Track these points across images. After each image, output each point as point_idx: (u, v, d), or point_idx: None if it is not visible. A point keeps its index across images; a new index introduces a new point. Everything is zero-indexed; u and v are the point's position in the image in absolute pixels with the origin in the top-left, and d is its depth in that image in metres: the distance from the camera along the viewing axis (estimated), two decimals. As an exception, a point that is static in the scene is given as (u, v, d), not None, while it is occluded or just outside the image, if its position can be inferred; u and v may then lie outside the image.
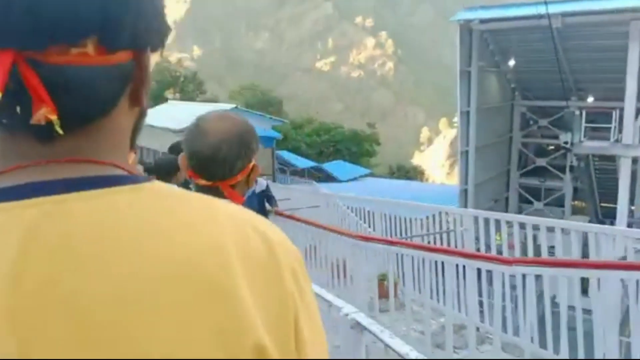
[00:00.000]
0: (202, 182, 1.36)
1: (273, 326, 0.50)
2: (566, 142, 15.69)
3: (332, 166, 24.23)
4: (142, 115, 0.60)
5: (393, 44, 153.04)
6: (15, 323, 0.43)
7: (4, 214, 0.47)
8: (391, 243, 5.42)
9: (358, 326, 2.08)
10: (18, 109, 0.48)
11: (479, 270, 4.56)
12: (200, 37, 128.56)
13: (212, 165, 1.33)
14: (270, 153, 20.90)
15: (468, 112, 17.00)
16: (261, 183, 7.01)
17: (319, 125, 31.12)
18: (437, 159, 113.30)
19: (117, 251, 0.46)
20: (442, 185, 30.31)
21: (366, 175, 24.79)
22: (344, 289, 5.89)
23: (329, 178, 22.51)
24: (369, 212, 9.76)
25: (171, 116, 23.72)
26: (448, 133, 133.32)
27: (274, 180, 19.22)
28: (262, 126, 23.05)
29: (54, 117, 0.47)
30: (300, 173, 23.13)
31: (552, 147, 21.05)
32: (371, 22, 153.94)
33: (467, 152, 17.37)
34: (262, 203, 6.61)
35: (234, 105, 24.80)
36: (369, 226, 9.98)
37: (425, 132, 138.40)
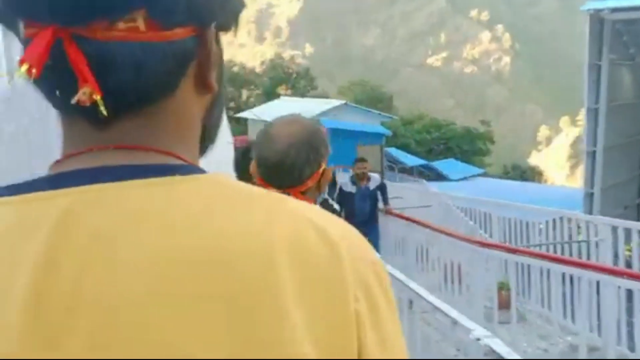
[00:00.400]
0: (272, 190, 1.22)
1: (325, 352, 0.41)
2: None
3: (442, 164, 23.41)
4: (215, 103, 0.53)
5: (510, 38, 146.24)
6: (41, 319, 0.40)
7: (39, 203, 0.44)
8: (513, 251, 4.99)
9: (493, 354, 1.75)
10: (57, 91, 0.45)
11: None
12: (312, 35, 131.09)
13: (280, 172, 1.28)
14: (379, 150, 20.59)
15: (596, 110, 15.68)
16: (375, 178, 6.84)
17: (429, 122, 30.21)
18: (556, 159, 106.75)
19: (146, 245, 0.41)
20: (563, 188, 28.29)
21: (479, 175, 23.71)
22: (458, 295, 5.55)
23: (438, 177, 21.77)
24: (485, 214, 9.21)
25: (282, 112, 24.17)
26: (570, 132, 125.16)
27: (382, 178, 19.00)
28: (370, 122, 22.86)
29: (97, 97, 0.43)
30: (408, 171, 22.59)
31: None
32: (487, 16, 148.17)
33: (594, 152, 16.03)
34: (374, 199, 6.37)
35: (343, 102, 24.86)
36: (483, 230, 9.51)
37: (543, 131, 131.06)
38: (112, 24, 0.43)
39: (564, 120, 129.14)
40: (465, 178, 22.38)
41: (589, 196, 16.13)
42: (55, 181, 0.45)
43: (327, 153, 1.34)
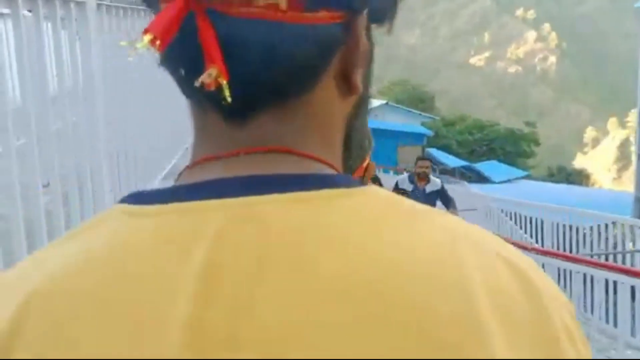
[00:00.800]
0: None
1: None
2: None
3: (484, 166, 22.86)
4: (360, 108, 0.46)
5: (557, 37, 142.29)
6: (197, 346, 0.33)
7: (186, 217, 0.37)
8: (575, 260, 4.68)
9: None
10: (182, 71, 0.39)
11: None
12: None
13: None
14: (420, 150, 20.30)
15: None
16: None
17: (472, 123, 29.49)
18: (603, 162, 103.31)
19: (322, 271, 0.35)
20: (611, 192, 27.25)
21: (522, 177, 23.10)
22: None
23: (480, 178, 21.28)
24: (531, 218, 8.82)
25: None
26: (617, 134, 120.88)
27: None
28: (411, 122, 22.59)
29: (223, 81, 0.36)
30: (450, 172, 22.13)
31: None
32: (533, 14, 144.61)
33: (644, 154, 15.38)
34: (430, 203, 5.98)
35: (384, 102, 24.65)
36: (529, 234, 9.05)
37: (590, 133, 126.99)
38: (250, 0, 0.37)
39: (612, 122, 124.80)
40: (508, 180, 21.84)
41: (639, 200, 15.50)
42: (197, 190, 0.38)
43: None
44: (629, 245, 6.97)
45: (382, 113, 21.77)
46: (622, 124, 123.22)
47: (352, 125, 0.45)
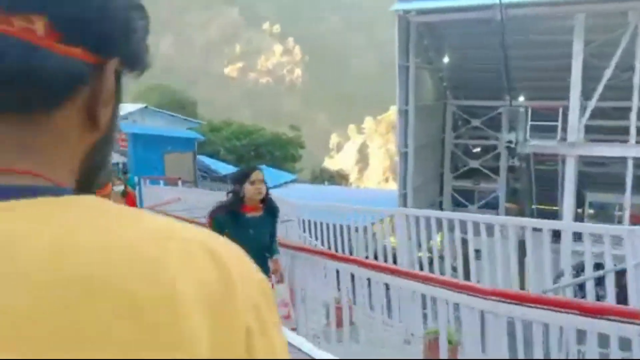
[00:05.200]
0: None
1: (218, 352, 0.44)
2: (510, 142, 15.03)
3: (255, 172, 22.41)
4: (101, 145, 0.51)
5: (300, 51, 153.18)
6: None
7: None
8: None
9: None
10: None
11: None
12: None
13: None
14: (192, 157, 18.63)
15: (407, 111, 15.94)
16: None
17: (238, 128, 28.97)
18: (346, 164, 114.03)
19: (18, 269, 0.40)
20: (377, 190, 29.35)
21: (292, 181, 23.18)
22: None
23: (252, 185, 20.68)
24: (310, 222, 8.32)
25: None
26: (357, 139, 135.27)
27: (196, 187, 17.08)
28: (177, 127, 20.77)
29: None
30: (222, 179, 21.05)
31: (480, 149, 20.64)
32: (278, 29, 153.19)
33: (406, 153, 16.30)
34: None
35: (143, 105, 22.22)
36: (313, 237, 8.60)
37: (334, 138, 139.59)
38: (8, 19, 0.43)
39: (351, 129, 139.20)
40: (279, 185, 21.58)
41: (403, 196, 16.35)
42: None
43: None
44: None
45: (141, 118, 19.49)
46: (360, 130, 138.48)
47: (91, 157, 0.51)
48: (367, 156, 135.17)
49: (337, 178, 35.83)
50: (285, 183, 22.31)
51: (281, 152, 28.11)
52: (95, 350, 0.39)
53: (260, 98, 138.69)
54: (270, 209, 3.82)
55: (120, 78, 0.51)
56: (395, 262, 7.17)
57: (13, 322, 0.39)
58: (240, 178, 3.77)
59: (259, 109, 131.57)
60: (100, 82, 0.48)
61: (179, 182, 13.87)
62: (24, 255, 0.41)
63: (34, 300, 0.39)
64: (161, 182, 14.81)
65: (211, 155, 24.03)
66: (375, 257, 7.33)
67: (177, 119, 21.85)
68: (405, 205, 15.75)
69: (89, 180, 0.51)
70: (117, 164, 14.30)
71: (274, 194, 4.17)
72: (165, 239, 0.45)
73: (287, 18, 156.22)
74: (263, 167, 23.44)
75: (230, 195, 3.77)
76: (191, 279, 0.43)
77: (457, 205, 19.76)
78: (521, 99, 18.03)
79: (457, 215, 6.83)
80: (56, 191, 0.45)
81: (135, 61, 0.51)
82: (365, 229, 7.87)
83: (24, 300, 0.39)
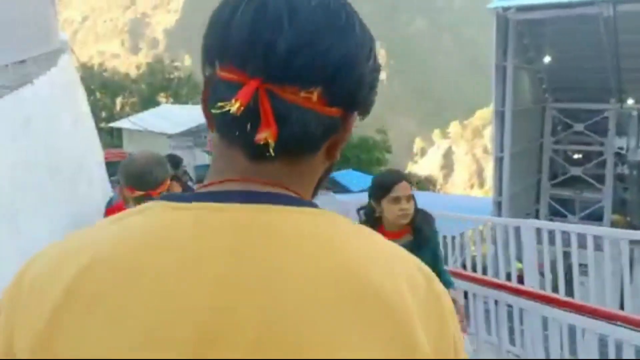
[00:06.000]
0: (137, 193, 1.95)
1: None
2: (621, 148, 13.79)
3: (341, 175, 22.10)
4: (331, 167, 0.69)
5: (386, 55, 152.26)
6: (219, 311, 0.51)
7: (217, 213, 0.56)
8: None
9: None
10: (249, 126, 0.57)
11: None
12: (191, 46, 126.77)
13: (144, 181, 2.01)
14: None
15: (503, 113, 15.07)
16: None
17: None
18: (430, 170, 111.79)
19: (310, 264, 0.54)
20: (466, 197, 28.40)
21: (377, 185, 22.81)
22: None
23: (339, 188, 20.46)
24: None
25: (165, 119, 21.66)
26: (442, 144, 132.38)
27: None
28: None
29: (271, 141, 0.57)
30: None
31: (582, 155, 19.19)
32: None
33: (501, 158, 15.39)
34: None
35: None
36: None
37: (418, 143, 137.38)
38: (298, 91, 0.58)
39: (436, 134, 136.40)
40: (366, 189, 21.24)
41: (498, 204, 15.45)
42: (225, 197, 0.58)
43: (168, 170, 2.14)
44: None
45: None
46: (445, 135, 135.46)
47: (323, 177, 0.68)
48: (452, 162, 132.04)
49: (425, 183, 34.87)
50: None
51: (367, 156, 27.77)
52: (360, 345, 0.51)
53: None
54: (422, 233, 2.61)
55: (354, 120, 0.65)
56: (485, 273, 6.73)
57: (296, 305, 0.52)
58: (377, 192, 2.59)
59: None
60: (344, 129, 0.64)
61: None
62: (313, 252, 0.55)
63: (314, 291, 0.52)
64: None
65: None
66: (464, 267, 6.94)
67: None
68: (499, 213, 14.90)
69: (316, 192, 0.68)
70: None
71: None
72: (393, 255, 0.60)
73: (373, 22, 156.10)
74: (349, 171, 23.30)
75: (362, 213, 2.75)
76: (412, 293, 0.56)
77: (555, 214, 18.49)
78: (630, 101, 16.61)
79: (560, 226, 6.19)
80: (314, 205, 0.61)
81: (369, 109, 0.67)
82: (453, 238, 7.46)
83: (307, 288, 0.52)
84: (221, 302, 0.51)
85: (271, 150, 0.57)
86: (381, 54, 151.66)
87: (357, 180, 21.71)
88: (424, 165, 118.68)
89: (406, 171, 40.20)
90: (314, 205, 0.61)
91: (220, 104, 0.56)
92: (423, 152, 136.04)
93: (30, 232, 2.90)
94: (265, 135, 0.56)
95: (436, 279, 0.62)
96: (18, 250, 2.69)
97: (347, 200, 11.45)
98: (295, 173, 0.62)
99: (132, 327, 0.49)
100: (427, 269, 0.62)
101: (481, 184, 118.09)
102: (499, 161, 15.48)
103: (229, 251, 0.53)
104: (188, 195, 0.59)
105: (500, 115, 15.07)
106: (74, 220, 4.76)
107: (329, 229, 0.58)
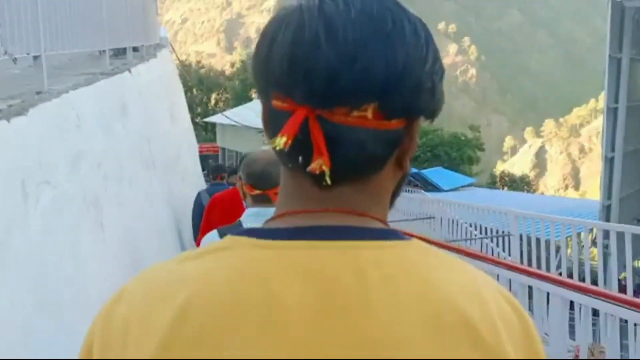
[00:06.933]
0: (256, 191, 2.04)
1: None
2: None
3: (432, 173, 21.23)
4: (403, 178, 0.64)
5: (476, 50, 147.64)
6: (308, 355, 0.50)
7: (299, 252, 0.54)
8: None
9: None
10: (300, 158, 0.56)
11: None
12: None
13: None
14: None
15: (616, 109, 13.79)
16: None
17: (415, 128, 27.94)
18: (521, 169, 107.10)
19: (401, 300, 0.52)
20: (566, 199, 26.71)
21: (469, 185, 21.76)
22: None
23: (428, 187, 19.71)
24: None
25: (257, 115, 21.91)
26: (534, 142, 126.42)
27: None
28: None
29: (326, 169, 0.54)
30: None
31: None
32: (454, 28, 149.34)
33: (612, 159, 14.12)
34: None
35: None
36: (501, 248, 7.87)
37: (508, 141, 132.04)
38: (349, 111, 0.54)
39: (528, 132, 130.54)
40: (456, 188, 20.36)
41: (606, 208, 14.23)
42: (307, 232, 0.56)
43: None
44: None
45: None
46: (538, 133, 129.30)
47: (397, 190, 0.64)
48: (545, 161, 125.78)
49: (520, 184, 33.13)
50: (462, 186, 21.01)
51: (458, 154, 26.69)
52: None
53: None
54: None
55: (419, 126, 0.61)
56: (595, 283, 6.20)
57: (399, 345, 0.51)
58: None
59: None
60: (409, 139, 0.59)
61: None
62: (405, 288, 0.53)
63: (414, 328, 0.52)
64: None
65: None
66: (570, 276, 6.42)
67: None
68: (608, 218, 13.69)
69: (391, 204, 0.64)
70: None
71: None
72: (485, 283, 0.59)
73: (465, 17, 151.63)
74: (440, 168, 22.49)
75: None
76: (499, 316, 0.56)
77: (670, 221, 16.81)
78: None
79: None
80: (402, 237, 0.58)
81: (435, 114, 0.61)
82: (551, 242, 6.96)
83: (408, 328, 0.52)
84: (313, 349, 0.50)
85: (327, 179, 0.54)
86: (471, 50, 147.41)
87: (448, 179, 20.84)
88: (514, 165, 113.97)
89: (495, 170, 38.49)
90: (400, 236, 0.58)
91: (271, 141, 0.55)
92: (514, 151, 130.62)
93: (114, 226, 2.71)
94: (319, 163, 0.54)
95: (522, 308, 0.60)
96: (101, 243, 2.50)
97: (444, 199, 11.01)
98: (368, 193, 0.59)
99: None
100: (511, 297, 0.61)
101: (576, 186, 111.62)
102: (608, 162, 14.24)
103: (320, 296, 0.52)
104: (272, 230, 0.57)
105: (612, 112, 13.83)
106: (163, 216, 4.66)
107: (420, 261, 0.57)
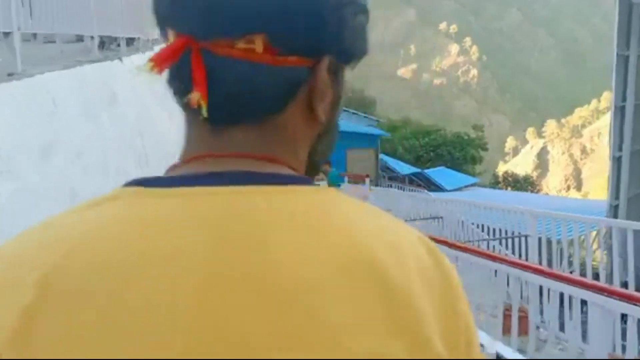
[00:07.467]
0: None
1: (447, 344, 0.49)
2: None
3: (435, 173, 21.02)
4: (323, 136, 0.58)
5: (477, 50, 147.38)
6: (209, 310, 0.44)
7: (190, 199, 0.49)
8: None
9: None
10: (176, 92, 0.53)
11: None
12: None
13: None
14: (374, 155, 18.04)
15: (624, 108, 13.53)
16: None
17: (416, 127, 27.91)
18: (522, 169, 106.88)
19: (299, 242, 0.47)
20: (569, 199, 26.43)
21: (472, 185, 21.50)
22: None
23: (431, 186, 19.46)
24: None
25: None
26: (536, 143, 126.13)
27: (376, 186, 16.45)
28: (358, 124, 20.42)
29: (203, 103, 0.50)
30: (400, 179, 20.14)
31: None
32: (455, 29, 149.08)
33: (620, 158, 13.85)
34: None
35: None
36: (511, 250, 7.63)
37: (510, 142, 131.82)
38: (232, 42, 0.50)
39: (530, 132, 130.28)
40: (459, 188, 20.11)
41: (614, 209, 13.98)
42: (193, 180, 0.51)
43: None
44: None
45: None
46: (539, 134, 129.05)
47: (315, 146, 0.58)
48: (547, 162, 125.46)
49: (524, 184, 32.81)
50: (465, 186, 20.74)
51: (461, 154, 26.44)
52: (365, 331, 0.45)
53: (430, 99, 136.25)
54: None
55: (338, 72, 0.55)
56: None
57: (319, 287, 0.45)
58: None
59: (429, 109, 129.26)
60: (315, 80, 0.53)
61: (367, 180, 13.14)
62: (308, 232, 0.48)
63: (317, 273, 0.46)
64: (345, 178, 14.38)
65: (389, 154, 23.32)
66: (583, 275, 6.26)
67: (359, 117, 21.52)
68: (616, 218, 13.44)
69: (314, 169, 0.59)
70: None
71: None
72: (404, 231, 0.53)
73: (466, 17, 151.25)
74: (443, 168, 22.23)
75: None
76: (416, 266, 0.50)
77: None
78: None
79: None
80: (309, 182, 0.53)
81: (348, 56, 0.55)
82: (558, 241, 6.95)
83: (310, 272, 0.46)
84: (209, 302, 0.44)
85: (203, 113, 0.50)
86: (473, 50, 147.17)
87: (452, 179, 20.60)
88: (517, 165, 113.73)
89: (497, 171, 38.17)
90: (310, 182, 0.53)
91: (148, 66, 0.50)
92: (515, 151, 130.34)
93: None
94: (196, 97, 0.49)
95: (442, 255, 0.54)
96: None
97: (455, 199, 10.77)
98: (269, 138, 0.54)
99: (119, 327, 0.43)
100: (432, 245, 0.54)
101: (578, 187, 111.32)
102: (616, 161, 13.98)
103: (215, 244, 0.46)
104: (164, 179, 0.52)
105: (619, 111, 13.57)
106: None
107: (330, 207, 0.51)
